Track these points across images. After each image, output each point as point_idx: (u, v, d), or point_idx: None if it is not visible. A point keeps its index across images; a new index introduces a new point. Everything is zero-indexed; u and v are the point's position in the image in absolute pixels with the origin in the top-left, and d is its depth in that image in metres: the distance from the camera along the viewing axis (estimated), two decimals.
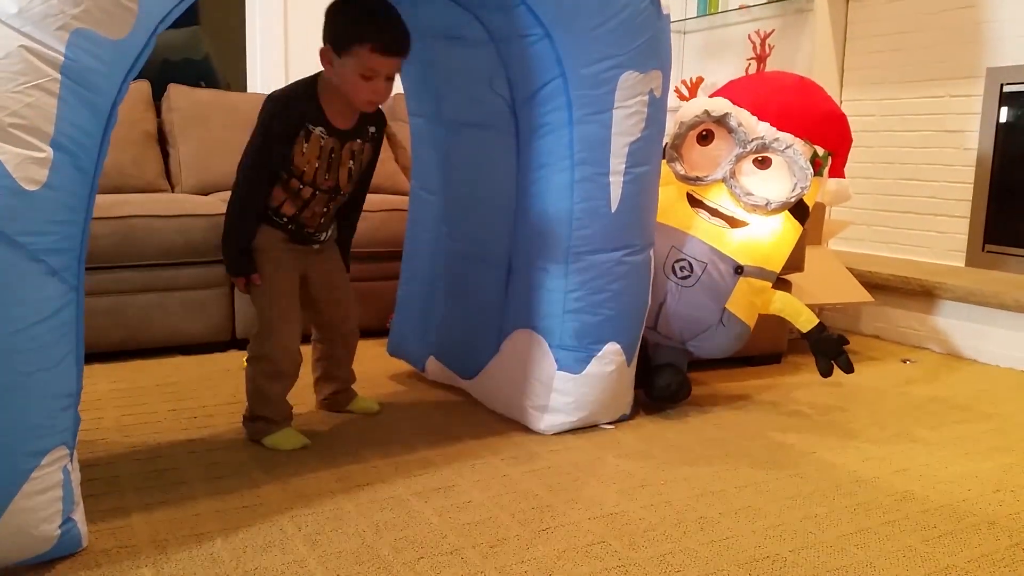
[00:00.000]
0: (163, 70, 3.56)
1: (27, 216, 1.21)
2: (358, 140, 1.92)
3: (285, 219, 1.91)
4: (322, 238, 2.00)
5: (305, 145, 1.83)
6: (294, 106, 1.82)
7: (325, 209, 1.95)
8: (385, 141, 3.71)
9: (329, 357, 2.14)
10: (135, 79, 1.37)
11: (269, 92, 1.90)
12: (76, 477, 1.38)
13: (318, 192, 1.90)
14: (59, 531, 1.33)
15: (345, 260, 2.12)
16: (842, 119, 2.37)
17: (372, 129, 1.96)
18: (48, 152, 1.22)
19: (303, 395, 2.18)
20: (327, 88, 1.84)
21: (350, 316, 2.10)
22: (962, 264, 3.45)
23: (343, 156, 1.90)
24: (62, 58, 1.22)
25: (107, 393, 2.29)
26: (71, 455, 1.35)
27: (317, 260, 2.01)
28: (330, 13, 1.80)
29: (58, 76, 1.21)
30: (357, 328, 2.13)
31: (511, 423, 2.13)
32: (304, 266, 1.99)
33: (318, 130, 1.83)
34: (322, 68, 1.83)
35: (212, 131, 3.33)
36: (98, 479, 1.70)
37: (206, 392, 2.33)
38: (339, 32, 1.77)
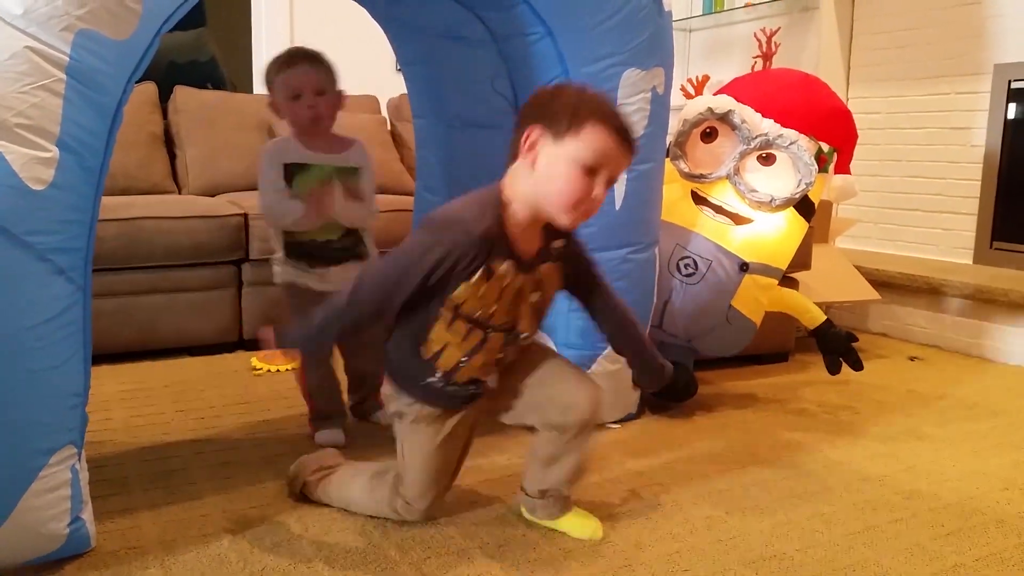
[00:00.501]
0: (169, 72, 3.58)
1: (34, 216, 1.21)
2: (543, 265, 1.44)
3: (439, 376, 1.44)
4: (490, 383, 1.50)
5: (484, 286, 1.35)
6: (480, 238, 1.33)
7: (500, 356, 1.46)
8: (391, 140, 3.72)
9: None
10: (141, 81, 1.38)
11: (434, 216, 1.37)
12: (84, 476, 1.38)
13: (491, 332, 1.42)
14: (67, 530, 1.34)
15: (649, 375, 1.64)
16: (847, 115, 2.36)
17: (557, 243, 1.46)
18: (54, 152, 1.22)
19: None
20: (509, 203, 1.37)
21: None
22: (969, 261, 3.44)
23: (525, 289, 1.41)
24: (67, 59, 1.22)
25: (115, 394, 2.30)
26: (79, 454, 1.36)
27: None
28: (550, 96, 1.36)
29: (63, 76, 1.22)
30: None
31: None
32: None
33: (504, 266, 1.36)
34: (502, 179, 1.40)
35: (219, 133, 3.34)
36: (106, 479, 1.70)
37: (214, 393, 2.34)
38: (565, 112, 1.31)
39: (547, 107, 1.34)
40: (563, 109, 1.32)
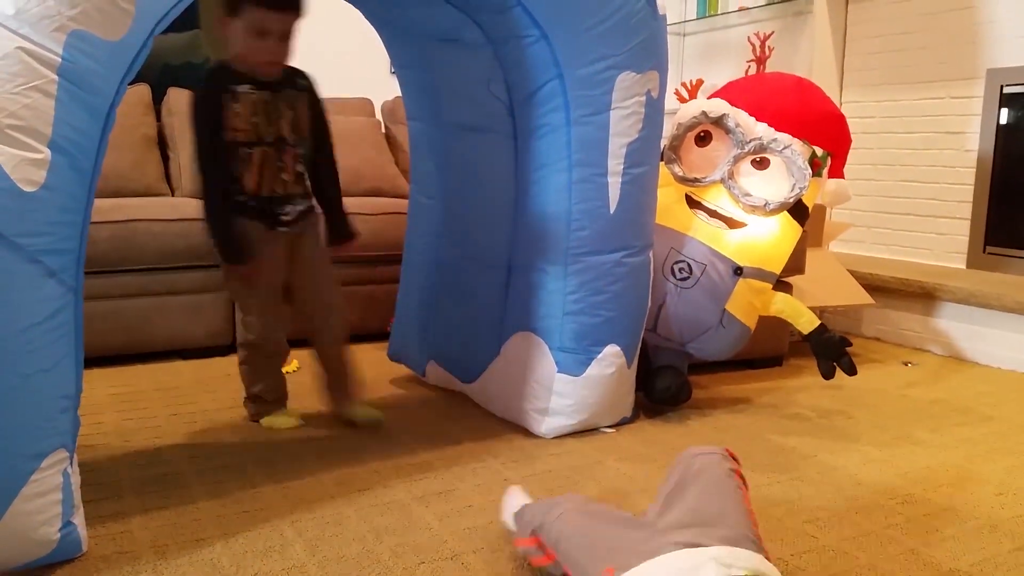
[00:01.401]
0: (163, 74, 3.55)
1: (25, 217, 1.21)
2: (291, 89, 1.95)
3: (250, 197, 1.92)
4: (288, 211, 1.97)
5: (236, 105, 1.86)
6: (211, 79, 1.88)
7: (280, 164, 1.94)
8: (385, 143, 3.72)
9: (322, 358, 2.10)
10: (135, 83, 1.37)
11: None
12: (76, 480, 1.37)
13: (265, 147, 1.91)
14: (59, 535, 1.33)
15: (342, 228, 2.09)
16: (840, 119, 2.37)
17: (302, 81, 1.99)
18: (46, 153, 1.21)
19: (314, 396, 2.17)
20: (235, 58, 1.88)
21: (331, 306, 2.07)
22: (963, 266, 3.45)
23: (281, 107, 1.92)
24: (59, 59, 1.22)
25: (107, 397, 2.29)
26: (71, 458, 1.35)
27: (296, 246, 2.01)
28: None
29: (55, 77, 1.21)
30: (342, 321, 2.10)
31: (511, 426, 2.12)
32: (284, 253, 2.00)
33: (245, 87, 1.87)
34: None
35: None
36: (98, 483, 1.69)
37: (206, 396, 2.33)
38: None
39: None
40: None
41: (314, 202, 2.06)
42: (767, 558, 1.15)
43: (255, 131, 1.89)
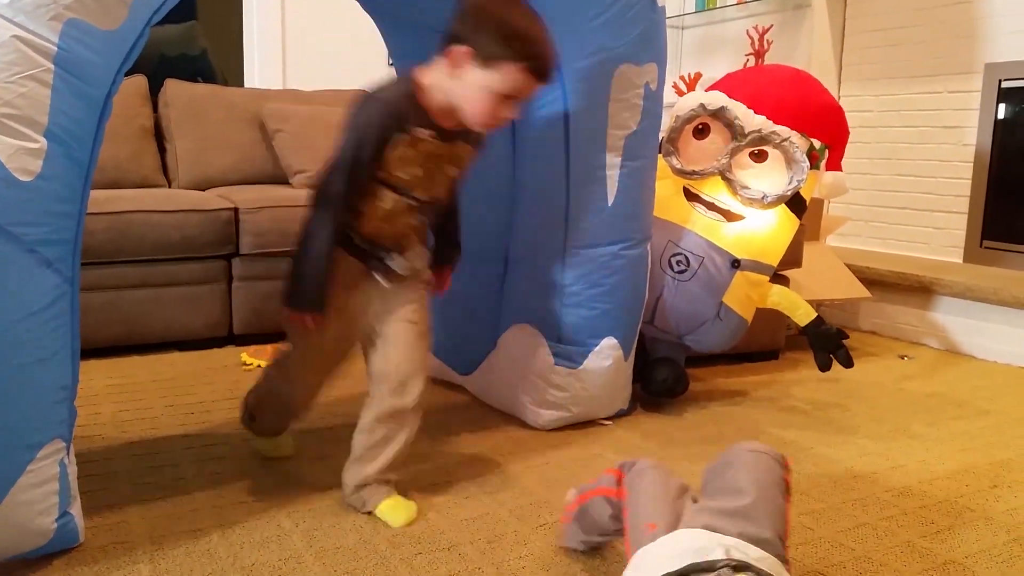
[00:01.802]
0: (160, 65, 3.55)
1: (21, 207, 1.20)
2: (462, 142, 1.61)
3: (359, 238, 1.59)
4: (394, 262, 1.62)
5: (408, 150, 1.52)
6: (394, 101, 1.52)
7: (414, 222, 1.64)
8: None
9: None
10: (131, 73, 1.37)
11: (363, 92, 1.56)
12: (73, 471, 1.37)
13: (411, 200, 1.59)
14: (56, 525, 1.33)
15: (445, 256, 1.80)
16: (839, 112, 2.37)
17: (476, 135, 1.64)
18: (42, 143, 1.21)
19: None
20: (430, 89, 1.53)
21: (403, 383, 1.63)
22: (960, 260, 3.45)
23: (446, 161, 1.60)
24: (55, 48, 1.21)
25: (104, 388, 2.29)
26: (67, 449, 1.34)
27: (387, 303, 1.64)
28: (485, 15, 1.49)
29: (51, 66, 1.21)
30: (416, 406, 1.65)
31: (508, 418, 2.12)
32: (368, 314, 1.63)
33: (425, 132, 1.53)
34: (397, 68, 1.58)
35: (209, 126, 3.33)
36: (95, 475, 1.69)
37: (203, 388, 2.33)
38: (497, 39, 1.46)
39: (478, 30, 1.48)
40: (494, 40, 1.47)
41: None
42: (787, 570, 1.14)
43: (409, 183, 1.56)
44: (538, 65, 1.50)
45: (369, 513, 1.57)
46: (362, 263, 1.61)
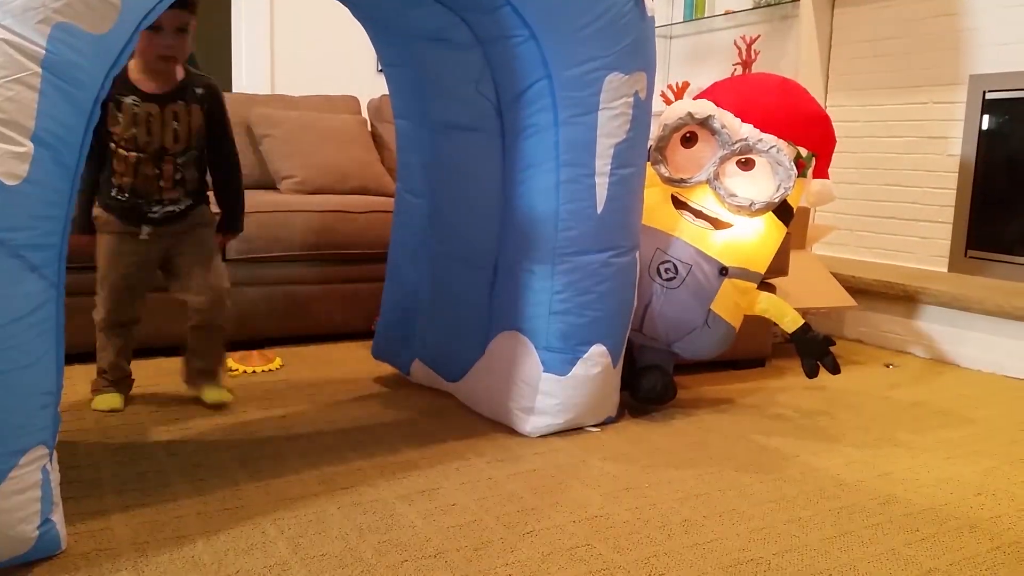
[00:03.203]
0: None
1: (7, 211, 1.19)
2: (180, 102, 2.02)
3: (121, 189, 2.03)
4: (158, 211, 2.07)
5: (119, 115, 1.96)
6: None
7: (157, 171, 2.03)
8: (372, 142, 3.71)
9: (192, 334, 2.21)
10: None
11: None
12: (55, 478, 1.36)
13: (143, 155, 2.00)
14: (37, 532, 1.31)
15: (232, 222, 2.25)
16: (825, 120, 2.38)
17: (199, 91, 2.06)
18: (28, 147, 1.20)
19: (298, 394, 2.17)
20: (132, 60, 1.92)
21: (207, 287, 2.15)
22: (945, 269, 3.48)
23: (165, 119, 2.00)
24: (43, 52, 1.20)
25: (88, 394, 2.26)
26: (51, 455, 1.33)
27: (175, 238, 2.11)
28: None
29: (39, 70, 1.20)
30: (220, 322, 2.19)
31: (496, 425, 2.12)
32: (158, 253, 2.12)
33: (129, 99, 1.96)
34: None
35: None
36: (78, 481, 1.68)
37: (188, 394, 2.31)
38: None
39: None
40: None
41: (202, 200, 2.17)
42: None
43: (133, 140, 1.99)
44: None
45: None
46: (122, 212, 2.06)
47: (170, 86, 2.02)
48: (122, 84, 1.95)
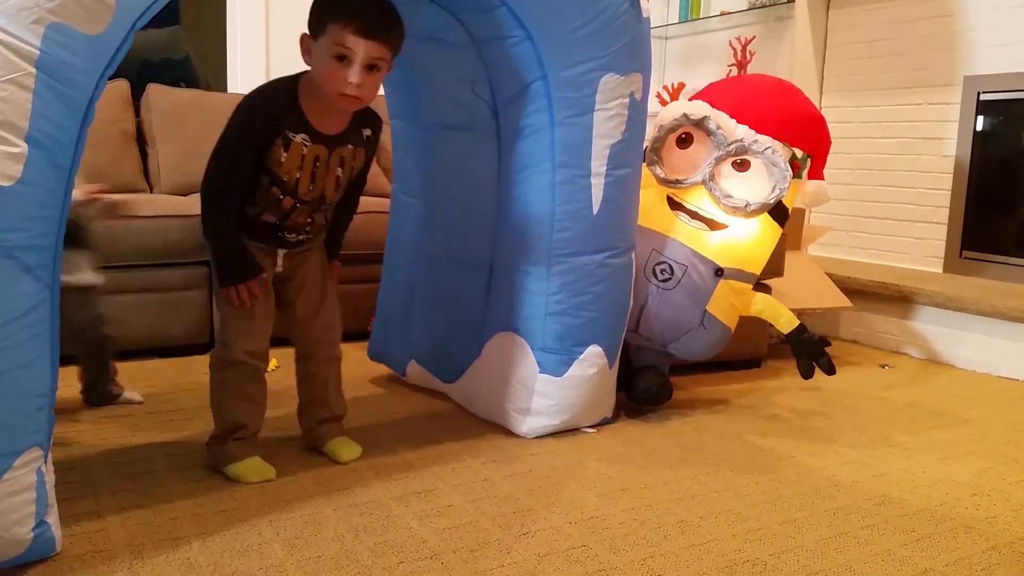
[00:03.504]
0: (143, 70, 3.53)
1: (1, 212, 1.19)
2: (349, 145, 1.74)
3: (262, 224, 1.74)
4: (295, 242, 1.80)
5: (284, 153, 1.66)
6: (270, 108, 1.65)
7: (309, 220, 1.77)
8: None
9: (309, 378, 1.90)
10: (114, 78, 1.35)
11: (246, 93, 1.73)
12: (50, 479, 1.35)
13: (300, 204, 1.73)
14: (32, 534, 1.31)
15: (332, 252, 1.94)
16: (820, 121, 2.39)
17: (367, 132, 1.78)
18: (23, 147, 1.20)
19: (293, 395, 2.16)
20: (310, 88, 1.66)
21: (328, 335, 1.89)
22: (940, 270, 3.49)
23: (331, 164, 1.72)
24: (37, 52, 1.20)
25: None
26: (45, 457, 1.33)
27: (296, 262, 1.83)
28: (313, 4, 1.64)
29: (33, 70, 1.20)
30: (338, 350, 1.92)
31: (492, 426, 2.12)
32: (280, 267, 1.81)
33: (300, 137, 1.66)
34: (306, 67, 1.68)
35: (191, 131, 3.30)
36: (73, 482, 1.67)
37: (184, 395, 2.31)
38: (317, 10, 1.62)
39: (311, 13, 1.64)
40: (316, 11, 1.63)
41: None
42: None
43: (294, 185, 1.70)
44: (357, 20, 1.57)
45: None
46: (264, 242, 1.77)
47: (343, 127, 1.72)
48: (295, 118, 1.65)
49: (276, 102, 1.66)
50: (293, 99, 1.67)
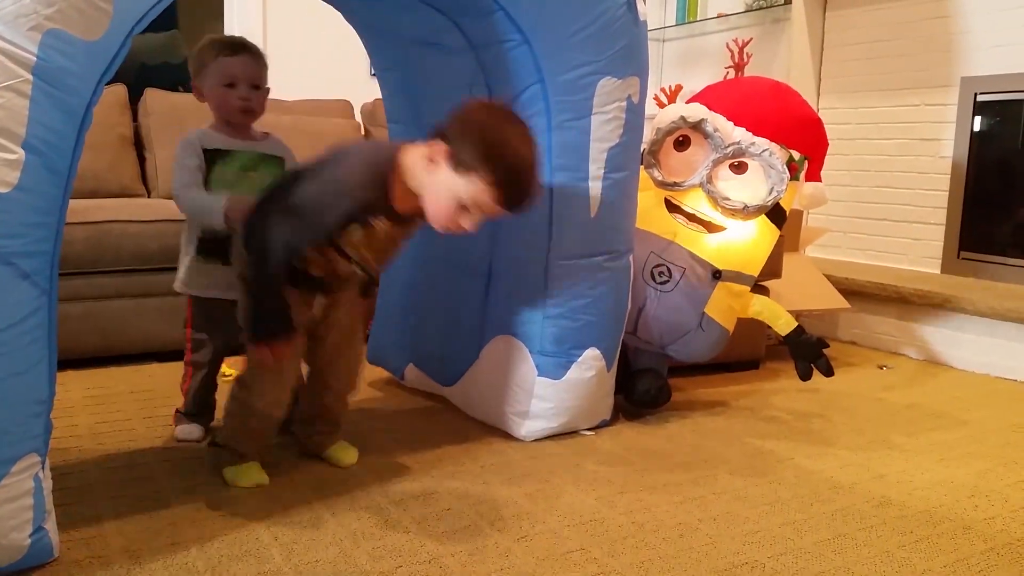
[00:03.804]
0: (140, 74, 3.53)
1: None
2: (417, 219, 1.68)
3: (310, 278, 1.70)
4: (336, 289, 1.78)
5: (360, 232, 1.62)
6: (366, 201, 1.58)
7: (356, 272, 1.75)
8: None
9: (319, 403, 1.88)
10: (112, 82, 1.35)
11: (346, 147, 1.64)
12: (48, 485, 1.35)
13: (359, 271, 1.74)
14: (30, 540, 1.31)
15: (367, 288, 1.93)
16: (817, 123, 2.39)
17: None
18: (20, 154, 1.20)
19: None
20: (401, 171, 1.59)
21: (349, 377, 1.87)
22: (938, 271, 3.49)
23: (395, 236, 1.69)
24: (34, 59, 1.20)
25: (81, 400, 2.26)
26: (43, 463, 1.33)
27: (330, 303, 1.78)
28: (474, 122, 1.55)
29: (30, 77, 1.20)
30: (356, 388, 1.91)
31: (491, 430, 2.12)
32: (317, 314, 1.77)
33: (380, 221, 1.62)
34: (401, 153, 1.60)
35: None
36: (71, 487, 1.67)
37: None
38: (471, 151, 1.50)
39: (463, 135, 1.52)
40: (471, 148, 1.50)
41: None
42: None
43: (358, 256, 1.68)
44: (508, 189, 1.52)
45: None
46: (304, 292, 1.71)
47: (414, 205, 1.63)
48: (383, 204, 1.60)
49: (372, 197, 1.59)
50: (385, 181, 1.60)
